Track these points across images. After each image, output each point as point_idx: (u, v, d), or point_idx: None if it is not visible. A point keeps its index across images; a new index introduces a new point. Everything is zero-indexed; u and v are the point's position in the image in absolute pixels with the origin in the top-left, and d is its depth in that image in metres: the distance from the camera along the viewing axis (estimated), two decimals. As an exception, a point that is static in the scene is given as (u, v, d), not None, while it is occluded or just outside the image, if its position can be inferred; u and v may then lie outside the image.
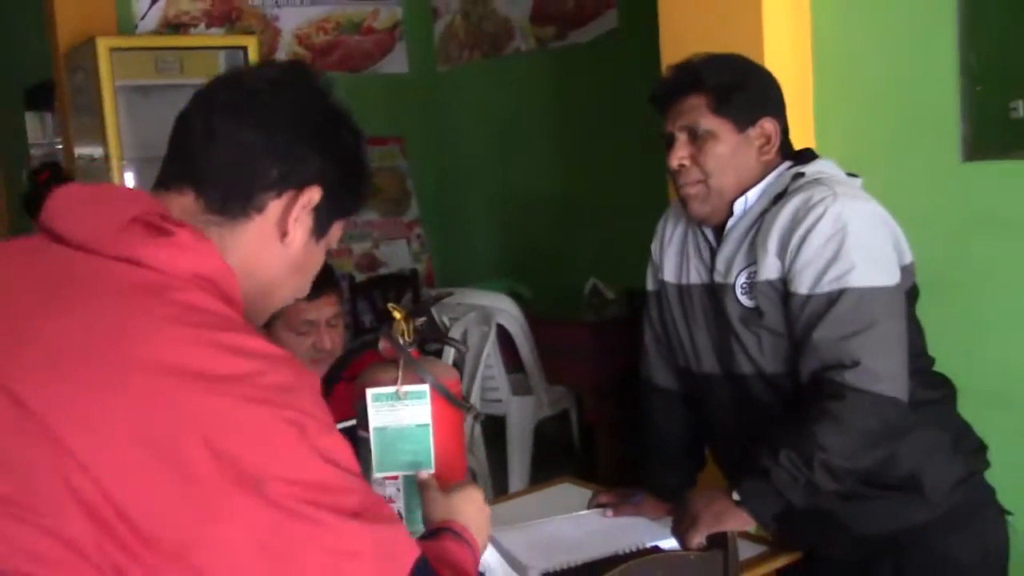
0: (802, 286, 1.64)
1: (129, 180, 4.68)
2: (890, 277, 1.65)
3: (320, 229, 1.19)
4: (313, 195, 1.15)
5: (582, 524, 1.99)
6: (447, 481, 1.50)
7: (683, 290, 1.89)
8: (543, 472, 3.85)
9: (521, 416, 4.18)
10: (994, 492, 1.82)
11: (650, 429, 2.04)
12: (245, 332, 1.01)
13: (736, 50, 1.91)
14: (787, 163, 1.79)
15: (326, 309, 2.26)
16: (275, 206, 1.13)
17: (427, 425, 1.50)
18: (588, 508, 2.05)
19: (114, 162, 4.52)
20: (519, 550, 1.84)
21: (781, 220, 1.68)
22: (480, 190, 5.92)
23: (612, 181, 4.75)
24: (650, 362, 2.02)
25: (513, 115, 5.50)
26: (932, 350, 1.85)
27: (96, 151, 4.66)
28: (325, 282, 2.26)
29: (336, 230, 1.24)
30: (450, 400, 1.52)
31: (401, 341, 1.53)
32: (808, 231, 1.64)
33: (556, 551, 1.83)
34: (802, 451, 1.62)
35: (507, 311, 4.16)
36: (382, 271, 6.04)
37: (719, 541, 1.65)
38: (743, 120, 1.76)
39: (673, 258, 1.93)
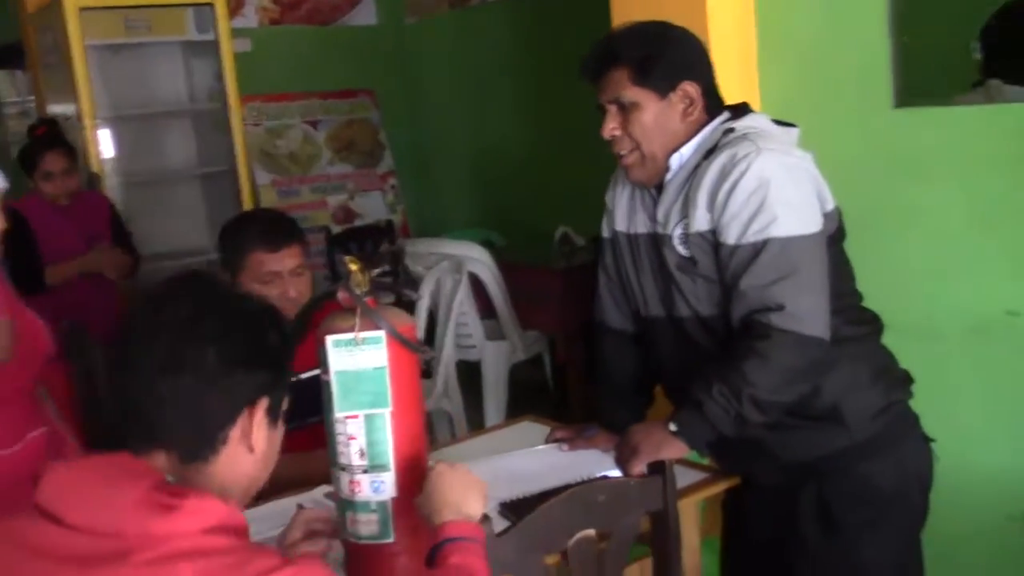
0: (730, 237, 1.76)
1: (104, 137, 4.74)
2: (811, 225, 1.77)
3: (274, 419, 1.30)
4: (263, 405, 1.25)
5: (540, 458, 2.13)
6: (405, 417, 1.63)
7: (631, 239, 2.00)
8: (519, 413, 3.98)
9: (495, 361, 4.31)
10: (917, 420, 1.96)
11: (602, 368, 2.16)
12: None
13: (682, 9, 2.01)
14: (722, 117, 1.90)
15: (288, 260, 2.35)
16: (235, 432, 1.23)
17: (383, 368, 1.61)
18: (546, 443, 2.18)
19: (87, 120, 4.55)
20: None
21: (709, 175, 1.80)
22: (452, 141, 6.00)
23: (582, 131, 4.76)
24: (603, 305, 2.14)
25: (483, 65, 5.57)
26: (861, 287, 1.97)
27: (69, 109, 4.69)
28: (287, 234, 2.37)
29: (285, 402, 1.34)
30: (405, 344, 1.63)
31: (357, 291, 1.64)
32: (733, 186, 1.75)
33: (514, 483, 1.97)
34: (732, 386, 1.76)
35: (479, 259, 4.27)
36: (358, 223, 6.14)
37: (658, 468, 1.78)
38: (663, 87, 1.86)
39: (624, 208, 2.04)
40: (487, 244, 4.55)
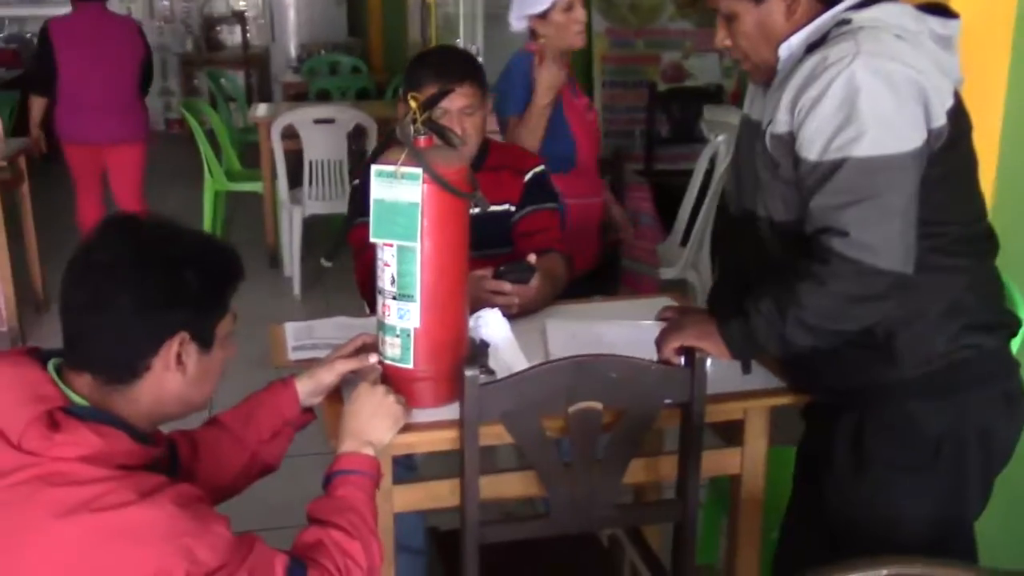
0: (812, 152, 1.60)
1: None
2: (905, 143, 1.55)
3: (205, 345, 1.43)
4: (181, 339, 1.38)
5: (633, 333, 2.09)
6: (437, 255, 1.71)
7: (746, 123, 1.88)
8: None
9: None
10: (1006, 374, 1.70)
11: (720, 253, 2.07)
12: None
13: None
14: (846, 3, 1.68)
15: (457, 99, 2.41)
16: (158, 361, 1.38)
17: (416, 204, 1.69)
18: (656, 319, 2.15)
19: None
20: (545, 345, 2.03)
21: (798, 76, 1.63)
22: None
23: None
24: (728, 191, 2.03)
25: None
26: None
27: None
28: (459, 73, 2.43)
29: (224, 325, 1.47)
30: (443, 186, 1.69)
31: (411, 129, 1.72)
32: (819, 96, 1.58)
33: (582, 349, 1.97)
34: (781, 304, 1.64)
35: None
36: (687, 83, 6.02)
37: (690, 361, 1.72)
38: None
39: (751, 89, 1.91)
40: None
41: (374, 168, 1.72)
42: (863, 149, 1.55)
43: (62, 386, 1.37)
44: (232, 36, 10.12)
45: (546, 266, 2.42)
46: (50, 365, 1.40)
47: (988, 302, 1.71)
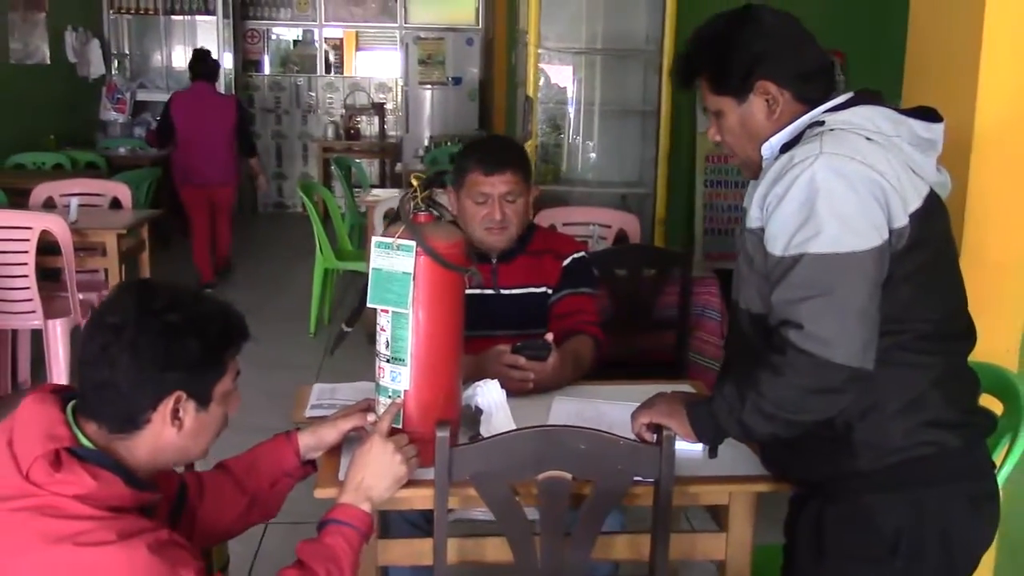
0: (776, 248, 1.65)
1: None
2: (863, 241, 1.59)
3: (202, 403, 1.57)
4: (178, 398, 1.53)
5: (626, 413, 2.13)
6: (429, 324, 1.83)
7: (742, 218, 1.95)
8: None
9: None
10: (974, 473, 1.69)
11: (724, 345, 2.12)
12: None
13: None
14: (824, 107, 1.75)
15: (501, 185, 2.56)
16: (157, 416, 1.53)
17: (409, 274, 1.82)
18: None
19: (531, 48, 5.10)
20: (545, 418, 2.11)
21: (769, 174, 1.69)
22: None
23: None
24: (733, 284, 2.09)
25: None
26: None
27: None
28: (504, 161, 2.58)
29: (223, 384, 1.59)
30: (434, 258, 1.82)
31: (410, 205, 1.86)
32: (783, 193, 1.64)
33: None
34: (741, 389, 1.68)
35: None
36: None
37: (659, 439, 1.77)
38: (739, 91, 1.78)
39: (751, 185, 1.98)
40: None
41: (374, 239, 1.87)
42: (819, 246, 1.60)
43: (74, 428, 1.53)
44: (371, 126, 10.69)
45: (572, 347, 2.50)
46: (69, 407, 1.57)
47: (954, 399, 1.70)
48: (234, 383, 1.64)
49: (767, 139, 1.79)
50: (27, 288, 4.22)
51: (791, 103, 1.77)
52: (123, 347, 1.50)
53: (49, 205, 5.20)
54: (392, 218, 2.04)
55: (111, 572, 1.39)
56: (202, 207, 6.91)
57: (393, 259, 1.85)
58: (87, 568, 1.38)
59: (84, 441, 1.52)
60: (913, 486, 1.66)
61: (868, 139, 1.67)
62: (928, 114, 1.76)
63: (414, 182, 1.88)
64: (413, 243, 1.83)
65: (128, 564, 1.39)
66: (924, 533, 1.66)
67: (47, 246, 4.25)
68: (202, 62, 6.94)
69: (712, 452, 1.83)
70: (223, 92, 7.47)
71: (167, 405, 1.53)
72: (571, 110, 6.01)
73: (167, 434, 1.55)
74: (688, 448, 1.86)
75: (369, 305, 1.87)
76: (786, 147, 1.74)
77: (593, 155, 5.96)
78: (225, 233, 7.25)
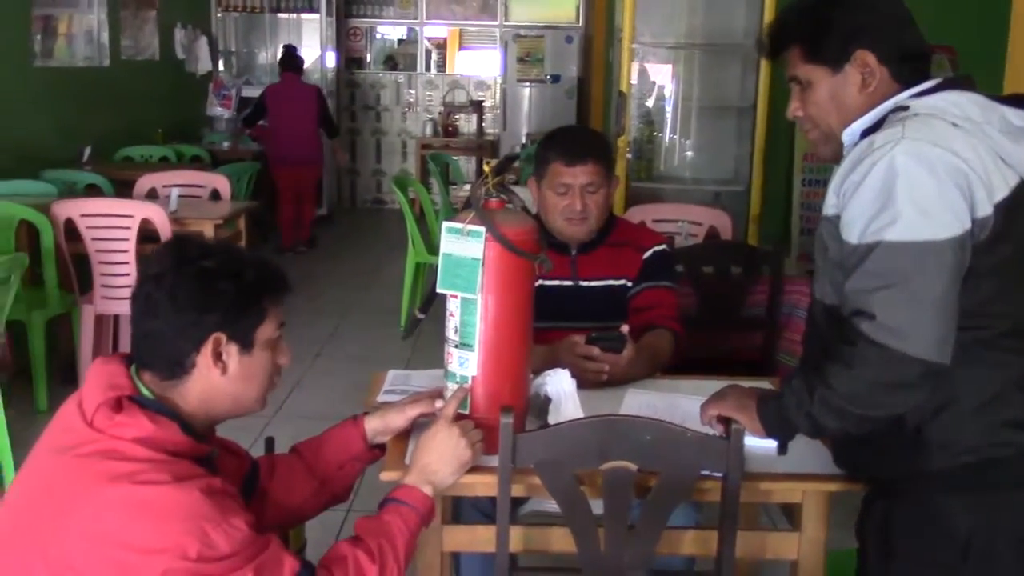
0: (852, 235, 1.59)
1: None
2: (943, 229, 1.52)
3: (245, 347, 1.62)
4: (217, 340, 1.58)
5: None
6: (498, 309, 1.82)
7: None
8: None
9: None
10: None
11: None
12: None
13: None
14: (911, 90, 1.67)
15: (582, 176, 2.54)
16: (201, 359, 1.59)
17: (478, 259, 1.82)
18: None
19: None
20: (617, 408, 2.09)
21: (847, 160, 1.63)
22: None
23: None
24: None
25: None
26: None
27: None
28: (584, 152, 2.56)
29: (265, 330, 1.64)
30: (504, 244, 1.81)
31: (481, 191, 1.86)
32: (861, 179, 1.57)
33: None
34: (810, 383, 1.63)
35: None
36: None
37: (728, 432, 1.73)
38: (835, 60, 1.70)
39: None
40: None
41: (445, 224, 1.87)
42: (896, 234, 1.54)
43: (135, 379, 1.60)
44: (469, 124, 10.75)
45: (648, 341, 2.47)
46: (133, 365, 1.63)
47: None
48: (278, 331, 1.69)
49: (855, 117, 1.72)
50: (128, 275, 4.38)
51: (886, 81, 1.70)
52: (163, 294, 1.58)
53: (152, 196, 5.37)
54: (464, 205, 2.05)
55: (165, 510, 1.44)
56: (290, 184, 8.03)
57: (463, 245, 1.85)
58: (143, 505, 1.44)
59: (144, 390, 1.59)
60: (987, 488, 1.58)
61: (954, 125, 1.60)
62: (1023, 101, 1.68)
63: (486, 168, 1.88)
64: (483, 229, 1.82)
65: (181, 504, 1.45)
66: (997, 538, 1.58)
67: (149, 235, 4.39)
68: (290, 57, 8.19)
69: (782, 448, 1.78)
70: (307, 83, 8.45)
71: (208, 347, 1.59)
72: (668, 106, 5.95)
73: (214, 377, 1.61)
74: (761, 444, 1.82)
75: (439, 290, 1.87)
76: (866, 133, 1.68)
77: (689, 153, 5.88)
78: (309, 211, 8.35)
